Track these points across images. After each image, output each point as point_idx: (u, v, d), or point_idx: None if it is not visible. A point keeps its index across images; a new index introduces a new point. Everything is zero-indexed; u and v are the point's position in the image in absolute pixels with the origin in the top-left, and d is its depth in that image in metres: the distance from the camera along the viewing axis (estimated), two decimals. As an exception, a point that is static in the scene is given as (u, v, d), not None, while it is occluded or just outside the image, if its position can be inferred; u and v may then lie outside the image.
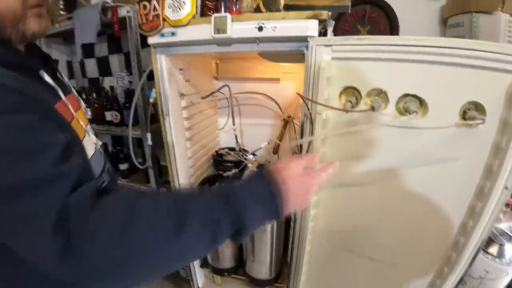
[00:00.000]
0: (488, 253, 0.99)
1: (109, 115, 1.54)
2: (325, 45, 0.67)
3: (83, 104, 0.58)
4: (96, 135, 0.59)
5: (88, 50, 1.72)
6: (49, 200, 0.30)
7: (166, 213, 0.35)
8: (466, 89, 0.58)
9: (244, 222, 0.38)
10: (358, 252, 0.82)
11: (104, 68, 1.77)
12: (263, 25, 0.71)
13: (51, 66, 0.51)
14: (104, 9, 1.08)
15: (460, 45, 0.55)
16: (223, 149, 1.35)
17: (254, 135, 1.38)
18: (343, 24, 1.19)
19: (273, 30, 0.71)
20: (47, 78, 0.44)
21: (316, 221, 0.85)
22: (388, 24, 1.18)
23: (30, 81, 0.38)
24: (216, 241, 0.37)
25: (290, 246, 0.96)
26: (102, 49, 1.72)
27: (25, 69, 0.39)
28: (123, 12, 1.15)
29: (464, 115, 0.61)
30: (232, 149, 1.32)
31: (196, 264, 1.26)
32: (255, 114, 1.34)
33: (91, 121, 1.59)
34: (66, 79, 0.56)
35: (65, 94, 0.47)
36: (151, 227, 0.33)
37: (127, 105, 1.48)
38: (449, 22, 1.16)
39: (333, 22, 1.00)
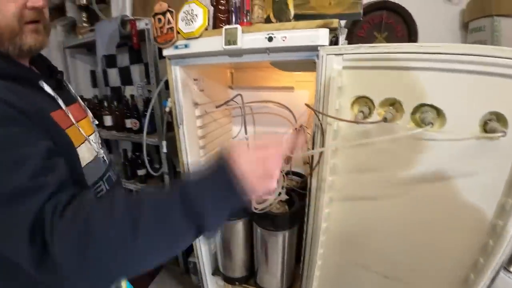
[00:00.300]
0: (510, 272, 0.91)
1: (129, 123, 1.61)
2: (336, 54, 0.66)
3: (90, 114, 0.62)
4: (108, 142, 0.63)
5: (110, 60, 1.82)
6: (26, 210, 0.32)
7: (121, 218, 0.35)
8: (486, 99, 0.54)
9: (203, 222, 0.37)
10: (372, 269, 0.78)
11: (126, 77, 1.85)
12: (273, 36, 0.71)
13: (56, 77, 0.55)
14: (124, 22, 1.14)
15: (477, 51, 0.51)
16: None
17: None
18: (359, 31, 1.17)
19: (283, 40, 0.71)
20: (47, 88, 0.47)
21: (327, 235, 0.82)
22: (406, 29, 1.13)
23: (29, 91, 0.41)
24: (177, 242, 0.38)
25: (302, 259, 0.94)
26: (124, 60, 1.81)
27: (23, 80, 0.43)
28: (141, 24, 1.21)
29: (484, 127, 0.57)
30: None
31: (208, 271, 1.26)
32: (270, 123, 1.34)
33: (111, 128, 1.68)
34: (72, 90, 0.60)
35: (69, 103, 0.50)
36: (106, 232, 0.34)
37: (146, 113, 1.54)
38: (470, 27, 1.10)
39: (345, 30, 0.98)
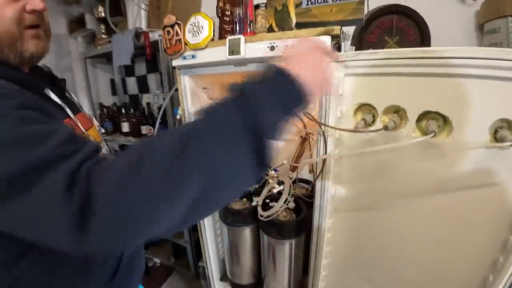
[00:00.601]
0: None
1: (144, 129, 1.68)
2: (337, 62, 0.65)
3: (95, 122, 0.62)
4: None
5: (129, 69, 1.91)
6: (59, 173, 0.28)
7: (173, 136, 0.31)
8: (496, 105, 0.51)
9: (261, 125, 0.31)
10: (377, 284, 0.75)
11: (143, 86, 1.94)
12: (274, 45, 0.72)
13: (59, 86, 0.52)
14: (138, 34, 1.20)
15: (484, 55, 0.49)
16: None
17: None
18: (369, 36, 1.15)
19: (285, 49, 0.71)
20: (54, 96, 0.45)
21: (332, 246, 0.80)
22: (418, 33, 1.10)
23: (38, 98, 0.39)
24: (236, 152, 0.30)
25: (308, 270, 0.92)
26: (141, 69, 1.90)
27: (30, 87, 0.40)
28: (155, 36, 1.26)
29: (495, 135, 0.54)
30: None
31: (216, 277, 1.27)
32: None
33: (128, 134, 1.75)
34: (75, 98, 0.58)
35: (75, 112, 0.50)
36: (151, 156, 0.29)
37: (160, 120, 1.60)
38: (485, 28, 1.05)
39: (349, 36, 0.97)
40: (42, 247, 0.35)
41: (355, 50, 1.14)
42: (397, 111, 0.63)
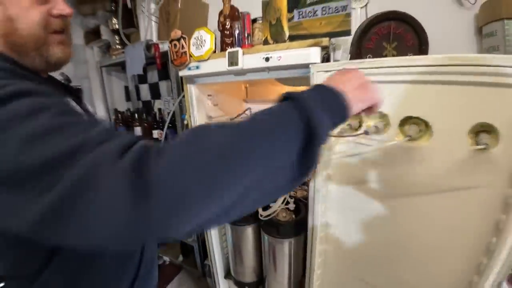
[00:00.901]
0: None
1: (155, 133, 1.80)
2: (325, 71, 0.71)
3: None
4: None
5: (142, 77, 2.04)
6: (115, 145, 0.28)
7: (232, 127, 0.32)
8: (475, 109, 0.55)
9: (313, 123, 0.33)
10: (369, 283, 0.79)
11: (155, 92, 2.07)
12: (269, 56, 0.79)
13: (76, 95, 0.52)
14: (148, 46, 1.31)
15: (461, 61, 0.53)
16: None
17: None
18: (367, 43, 1.19)
19: (278, 60, 0.78)
20: (75, 105, 0.45)
21: (326, 244, 0.85)
22: (416, 38, 1.13)
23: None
24: (287, 148, 0.32)
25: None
26: (153, 76, 2.02)
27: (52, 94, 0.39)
28: (165, 47, 1.37)
29: (476, 139, 0.58)
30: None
31: (220, 274, 1.34)
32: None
33: (140, 138, 1.88)
34: (90, 107, 0.58)
35: None
36: (209, 138, 0.30)
37: (170, 125, 1.71)
38: (484, 32, 1.07)
39: (340, 46, 1.02)
40: (66, 254, 0.39)
41: (354, 57, 1.18)
42: (382, 117, 0.68)
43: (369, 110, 0.49)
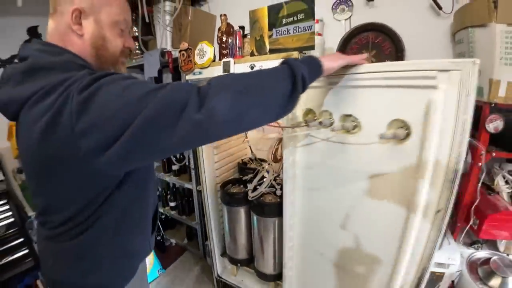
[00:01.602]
0: (488, 286, 1.02)
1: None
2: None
3: None
4: None
5: (157, 78, 2.39)
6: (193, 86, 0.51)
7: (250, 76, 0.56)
8: (391, 108, 0.78)
9: (297, 71, 0.58)
10: (326, 256, 1.04)
11: (168, 92, 2.41)
12: (254, 65, 1.08)
13: None
14: (163, 53, 1.64)
15: (371, 69, 0.79)
16: (250, 158, 1.73)
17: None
18: (349, 52, 1.44)
19: (260, 68, 1.06)
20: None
21: (294, 219, 1.12)
22: (393, 46, 1.36)
23: None
24: (283, 82, 0.56)
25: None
26: (168, 78, 2.37)
27: None
28: (177, 53, 1.69)
29: (394, 132, 0.82)
30: (255, 158, 1.68)
31: (217, 253, 1.63)
32: (270, 130, 1.67)
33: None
34: None
35: None
36: (243, 81, 0.54)
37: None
38: (456, 39, 1.23)
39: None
40: (134, 179, 0.65)
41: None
42: (330, 115, 0.93)
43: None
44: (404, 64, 0.77)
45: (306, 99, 0.96)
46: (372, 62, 1.37)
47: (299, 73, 0.58)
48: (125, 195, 0.65)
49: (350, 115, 0.88)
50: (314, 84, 0.95)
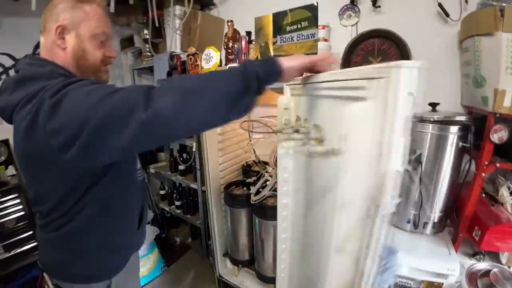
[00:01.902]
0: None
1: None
2: (287, 85, 1.02)
3: None
4: None
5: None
6: (141, 88, 0.55)
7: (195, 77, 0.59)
8: (336, 118, 0.72)
9: (249, 69, 0.57)
10: (313, 248, 1.06)
11: (177, 93, 2.49)
12: (257, 71, 1.12)
13: None
14: (172, 56, 1.71)
15: (320, 79, 0.78)
16: (254, 161, 1.78)
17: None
18: (355, 58, 1.46)
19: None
20: None
21: (287, 222, 1.15)
22: (399, 52, 1.38)
23: None
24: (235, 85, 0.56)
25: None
26: (176, 79, 2.46)
27: None
28: (185, 57, 1.76)
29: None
30: (259, 161, 1.72)
31: (219, 253, 1.68)
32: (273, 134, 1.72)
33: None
34: None
35: None
36: (189, 84, 0.55)
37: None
38: (463, 47, 1.23)
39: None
40: (116, 174, 0.71)
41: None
42: (305, 123, 0.95)
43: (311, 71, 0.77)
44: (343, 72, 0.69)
45: (297, 106, 1.00)
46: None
47: (252, 72, 0.58)
48: (106, 189, 0.71)
49: (318, 126, 0.89)
50: (299, 92, 1.00)
